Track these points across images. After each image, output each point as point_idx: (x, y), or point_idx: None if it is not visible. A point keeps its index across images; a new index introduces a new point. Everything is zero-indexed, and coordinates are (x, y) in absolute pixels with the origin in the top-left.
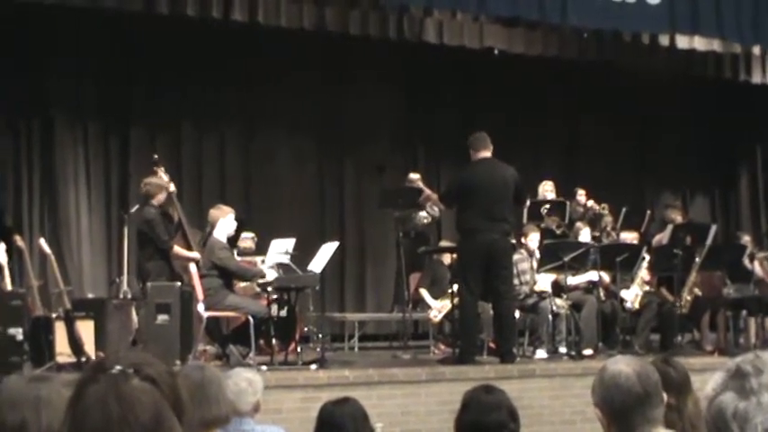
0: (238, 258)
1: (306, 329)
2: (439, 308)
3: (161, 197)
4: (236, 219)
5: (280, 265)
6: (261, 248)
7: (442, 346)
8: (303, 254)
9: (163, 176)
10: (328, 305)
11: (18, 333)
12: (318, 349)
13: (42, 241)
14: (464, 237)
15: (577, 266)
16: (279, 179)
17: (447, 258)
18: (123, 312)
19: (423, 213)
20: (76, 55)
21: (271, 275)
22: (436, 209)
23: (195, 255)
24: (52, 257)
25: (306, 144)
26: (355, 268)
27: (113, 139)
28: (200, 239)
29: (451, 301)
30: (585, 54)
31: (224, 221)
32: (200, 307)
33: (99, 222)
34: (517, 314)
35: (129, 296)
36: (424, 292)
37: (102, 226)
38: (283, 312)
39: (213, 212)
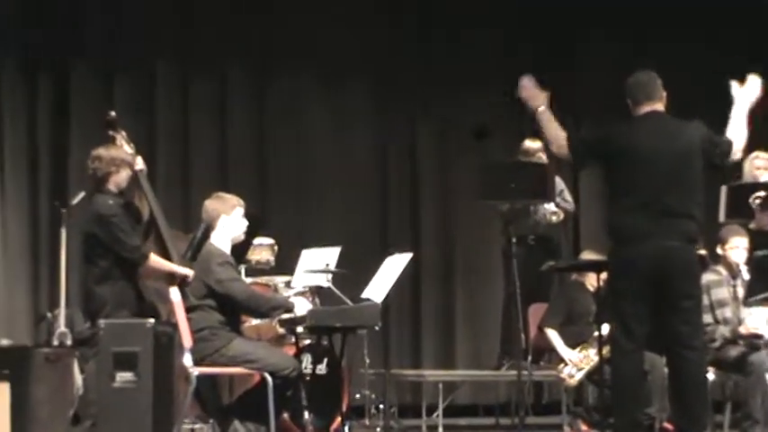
0: (248, 280)
1: (358, 396)
2: (577, 362)
3: (121, 179)
4: (247, 216)
5: (316, 291)
6: (285, 263)
7: (584, 427)
8: (354, 272)
9: (125, 147)
10: (395, 356)
11: None
12: (379, 429)
13: None
14: (618, 245)
15: None
16: (313, 151)
17: (591, 281)
18: (59, 369)
19: (549, 206)
20: None
21: (302, 308)
22: (570, 199)
23: (183, 269)
24: None
25: (355, 95)
26: (439, 296)
27: (43, 81)
28: (186, 249)
29: (599, 352)
30: None
31: (227, 220)
32: (188, 359)
33: (17, 222)
34: (711, 375)
35: (69, 342)
36: (552, 336)
37: (23, 228)
38: (322, 368)
39: (210, 205)
